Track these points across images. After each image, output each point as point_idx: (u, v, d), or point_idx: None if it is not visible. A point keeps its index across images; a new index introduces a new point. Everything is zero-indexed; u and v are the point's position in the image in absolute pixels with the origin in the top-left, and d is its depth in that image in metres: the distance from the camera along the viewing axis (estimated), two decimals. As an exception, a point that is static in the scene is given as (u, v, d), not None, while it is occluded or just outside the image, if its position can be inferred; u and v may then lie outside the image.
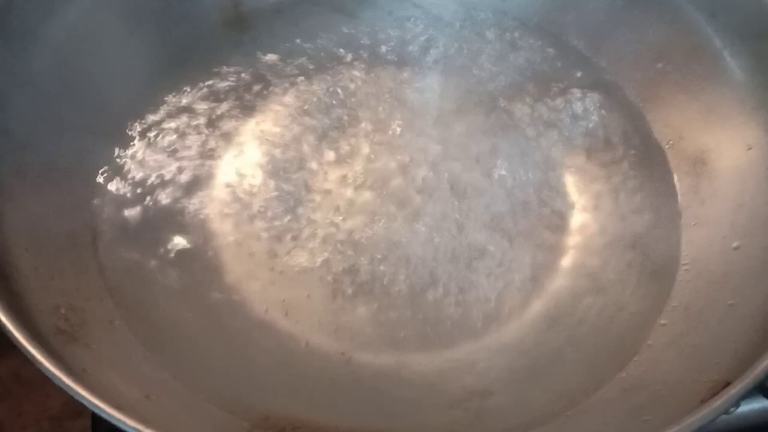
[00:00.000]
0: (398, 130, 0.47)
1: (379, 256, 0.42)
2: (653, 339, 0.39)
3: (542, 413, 0.38)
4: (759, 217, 0.41)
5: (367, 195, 0.44)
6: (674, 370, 0.37)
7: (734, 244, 0.41)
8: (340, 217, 0.43)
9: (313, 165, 0.45)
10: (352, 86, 0.48)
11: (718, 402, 0.29)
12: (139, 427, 0.29)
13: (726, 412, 0.30)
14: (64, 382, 0.28)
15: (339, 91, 0.48)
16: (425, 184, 0.45)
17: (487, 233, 0.43)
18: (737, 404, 0.30)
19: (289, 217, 0.43)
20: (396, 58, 0.49)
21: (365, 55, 0.49)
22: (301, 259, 0.42)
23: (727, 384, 0.31)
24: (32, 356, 0.29)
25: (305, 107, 0.47)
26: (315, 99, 0.47)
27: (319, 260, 0.42)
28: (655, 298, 0.41)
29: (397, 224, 0.43)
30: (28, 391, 0.49)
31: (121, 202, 0.42)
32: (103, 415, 0.28)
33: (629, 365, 0.38)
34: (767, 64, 0.43)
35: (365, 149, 0.46)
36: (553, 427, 0.37)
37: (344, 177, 0.45)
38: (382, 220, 0.43)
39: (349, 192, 0.44)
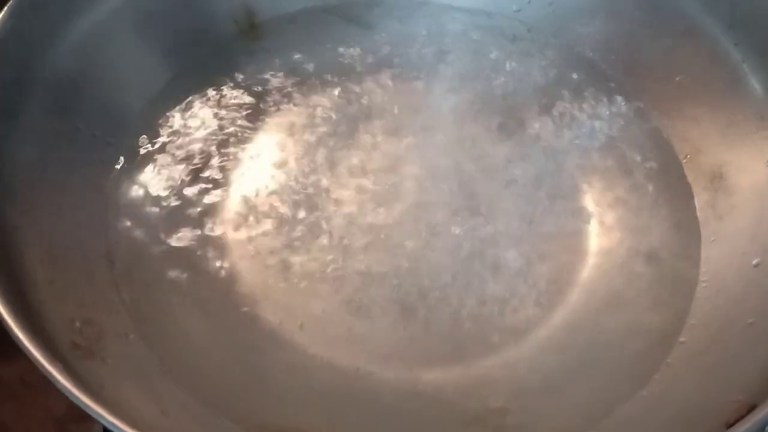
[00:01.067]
0: (413, 141, 0.47)
1: (394, 270, 0.42)
2: (672, 357, 0.39)
3: (560, 432, 0.37)
4: (779, 233, 0.40)
5: (382, 208, 0.44)
6: (695, 390, 0.37)
7: (754, 261, 0.40)
8: (355, 230, 0.43)
9: (327, 176, 0.45)
10: (365, 96, 0.48)
11: (745, 427, 0.29)
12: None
13: (752, 435, 0.29)
14: (83, 402, 0.28)
15: (353, 101, 0.48)
16: (440, 196, 0.45)
17: (503, 247, 0.43)
18: (763, 428, 0.29)
19: (303, 230, 0.43)
20: (409, 69, 0.49)
21: (379, 66, 0.49)
22: (316, 271, 0.42)
23: (754, 407, 0.30)
24: (51, 376, 0.28)
25: (319, 117, 0.47)
26: (329, 109, 0.47)
27: (334, 273, 0.42)
28: (673, 315, 0.40)
29: (412, 238, 0.43)
30: (33, 393, 0.48)
31: (136, 214, 0.42)
32: (122, 436, 0.28)
33: (649, 384, 0.38)
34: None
35: (379, 160, 0.46)
36: (571, 446, 0.37)
37: (359, 189, 0.45)
38: (398, 234, 0.43)
39: (363, 204, 0.44)
